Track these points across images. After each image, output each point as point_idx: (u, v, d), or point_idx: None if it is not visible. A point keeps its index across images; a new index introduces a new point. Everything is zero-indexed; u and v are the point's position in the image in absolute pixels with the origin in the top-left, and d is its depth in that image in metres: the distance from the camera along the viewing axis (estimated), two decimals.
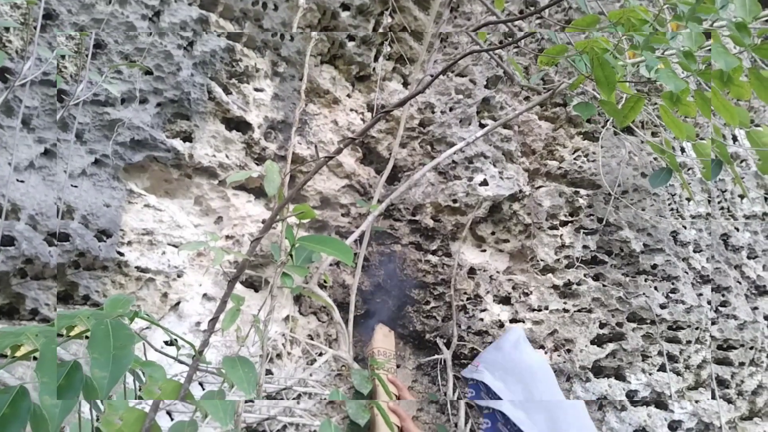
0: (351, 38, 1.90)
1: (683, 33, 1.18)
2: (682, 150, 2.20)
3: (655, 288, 2.01)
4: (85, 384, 0.68)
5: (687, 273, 2.08)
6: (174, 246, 1.55)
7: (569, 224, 2.03)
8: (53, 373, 0.65)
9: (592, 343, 1.93)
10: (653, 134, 2.12)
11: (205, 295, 1.60)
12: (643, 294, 1.97)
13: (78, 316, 0.72)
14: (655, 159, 2.06)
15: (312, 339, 1.80)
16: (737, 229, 2.27)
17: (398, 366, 1.96)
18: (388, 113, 1.05)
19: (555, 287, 1.97)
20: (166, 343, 1.47)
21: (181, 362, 1.03)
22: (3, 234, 1.20)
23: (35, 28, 1.21)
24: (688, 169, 2.21)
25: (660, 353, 1.97)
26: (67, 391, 0.66)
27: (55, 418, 0.62)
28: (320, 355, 1.71)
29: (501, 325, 1.90)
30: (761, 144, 1.46)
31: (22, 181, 1.29)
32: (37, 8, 1.21)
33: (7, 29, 1.25)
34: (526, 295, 1.96)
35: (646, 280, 2.00)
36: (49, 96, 1.33)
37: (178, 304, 1.55)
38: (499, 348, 1.62)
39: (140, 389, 0.97)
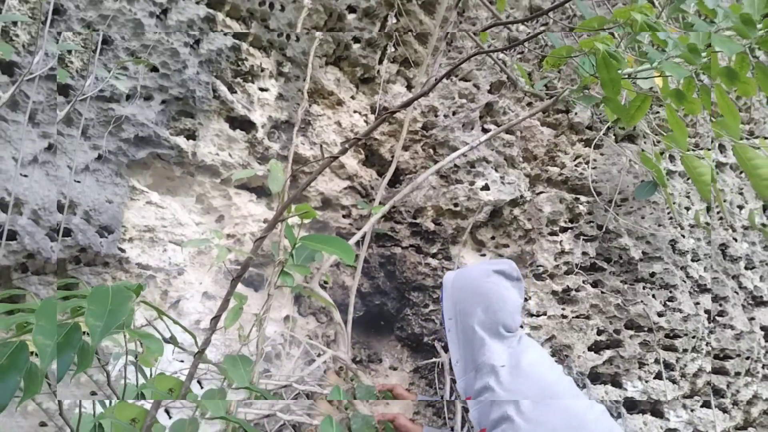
0: (356, 40, 1.91)
1: (690, 33, 1.18)
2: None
3: (653, 296, 2.01)
4: (80, 347, 0.70)
5: (685, 282, 2.09)
6: (175, 244, 1.55)
7: (569, 230, 2.04)
8: (52, 320, 0.66)
9: (590, 349, 1.93)
10: (655, 144, 2.13)
11: (205, 293, 1.60)
12: (641, 301, 1.97)
13: (79, 284, 0.74)
14: None
15: (311, 340, 1.80)
16: (735, 240, 2.28)
17: (396, 369, 1.97)
18: (392, 114, 1.05)
19: (554, 293, 1.98)
20: (164, 340, 1.46)
21: (182, 360, 1.03)
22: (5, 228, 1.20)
23: (43, 23, 1.21)
24: (688, 178, 2.22)
25: (657, 361, 1.97)
26: (65, 348, 0.68)
27: (46, 357, 0.62)
28: (319, 355, 1.71)
29: None
30: (745, 159, 1.46)
31: (25, 176, 1.29)
32: (46, 3, 1.22)
33: (14, 23, 1.25)
34: (525, 300, 1.96)
35: (644, 288, 2.01)
36: (55, 91, 1.33)
37: (178, 302, 1.55)
38: (468, 270, 1.53)
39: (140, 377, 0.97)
